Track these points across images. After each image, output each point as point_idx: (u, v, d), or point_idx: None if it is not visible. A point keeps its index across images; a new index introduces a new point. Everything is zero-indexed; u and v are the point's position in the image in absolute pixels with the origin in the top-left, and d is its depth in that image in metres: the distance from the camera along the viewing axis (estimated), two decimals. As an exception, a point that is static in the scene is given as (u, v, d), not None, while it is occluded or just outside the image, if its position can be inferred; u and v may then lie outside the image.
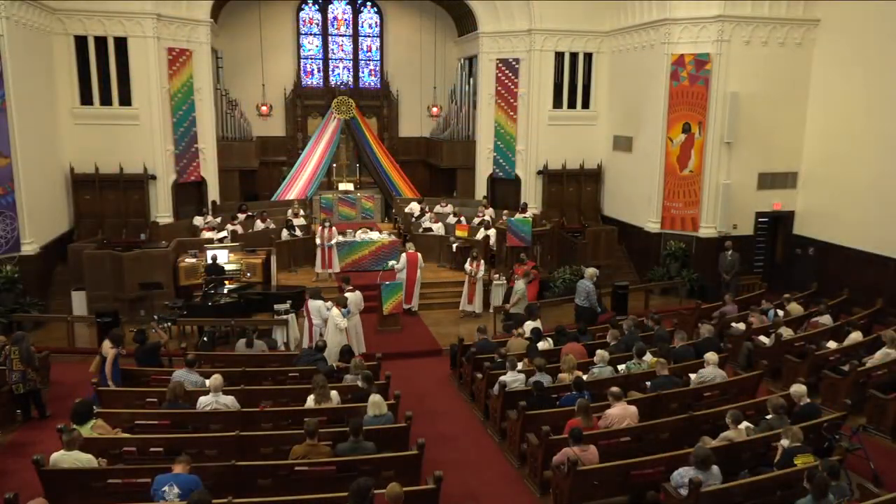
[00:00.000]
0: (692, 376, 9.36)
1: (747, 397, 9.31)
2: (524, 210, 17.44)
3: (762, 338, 11.52)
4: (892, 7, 13.62)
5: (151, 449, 7.25)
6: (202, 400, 8.14)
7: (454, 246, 16.44)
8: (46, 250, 14.76)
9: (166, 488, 6.08)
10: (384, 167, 20.95)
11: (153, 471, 6.42)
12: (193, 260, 14.39)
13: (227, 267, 13.97)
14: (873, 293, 13.10)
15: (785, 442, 7.04)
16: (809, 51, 15.97)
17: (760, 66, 15.84)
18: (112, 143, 16.44)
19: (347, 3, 23.50)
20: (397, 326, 13.60)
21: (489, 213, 17.69)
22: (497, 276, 14.73)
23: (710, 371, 9.24)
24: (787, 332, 11.37)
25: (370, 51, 23.99)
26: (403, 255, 14.41)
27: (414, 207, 19.06)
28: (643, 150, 17.65)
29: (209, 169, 18.41)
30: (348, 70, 23.86)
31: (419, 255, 14.49)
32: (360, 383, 8.59)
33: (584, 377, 9.03)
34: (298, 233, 16.60)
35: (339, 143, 20.94)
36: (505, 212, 17.94)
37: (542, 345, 10.71)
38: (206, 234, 16.32)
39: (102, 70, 16.41)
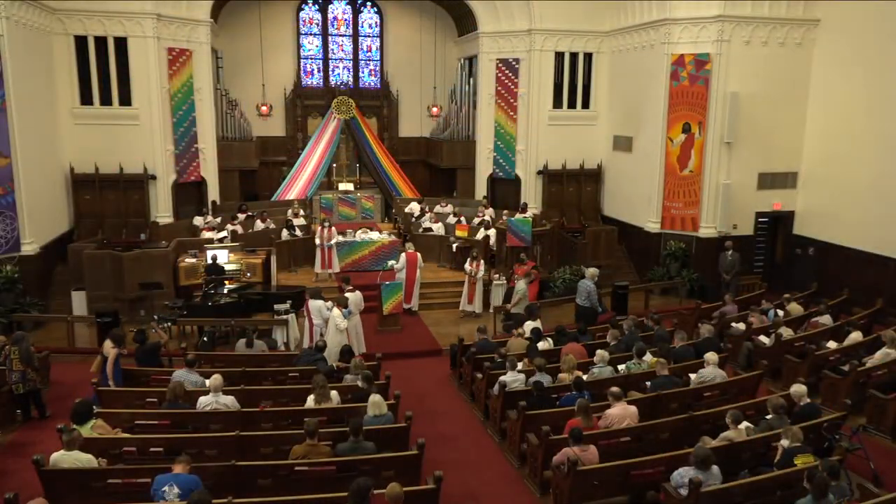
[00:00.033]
0: (692, 376, 9.36)
1: (747, 397, 9.31)
2: (524, 210, 17.44)
3: (762, 338, 11.52)
4: (892, 7, 13.62)
5: (151, 449, 7.25)
6: (202, 400, 8.14)
7: (454, 246, 16.43)
8: (46, 250, 14.76)
9: (166, 488, 6.08)
10: (384, 167, 20.95)
11: (153, 471, 6.42)
12: (193, 260, 14.39)
13: (227, 267, 13.97)
14: (873, 293, 13.10)
15: (785, 442, 7.04)
16: (809, 51, 15.97)
17: (760, 66, 15.84)
18: (112, 143, 16.44)
19: (347, 3, 23.50)
20: (397, 326, 13.60)
21: (489, 213, 17.68)
22: (497, 276, 14.73)
23: (710, 371, 9.24)
24: (787, 332, 11.37)
25: (370, 51, 23.99)
26: (403, 254, 14.41)
27: (414, 207, 19.06)
28: (643, 150, 17.65)
29: (209, 169, 18.41)
30: (348, 70, 23.85)
31: (418, 254, 14.49)
32: (360, 383, 8.59)
33: (584, 377, 9.03)
34: (298, 233, 16.60)
35: (339, 143, 20.94)
36: (505, 212, 17.94)
37: (542, 345, 10.71)
38: (206, 234, 16.32)
39: (102, 70, 16.41)
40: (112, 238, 15.92)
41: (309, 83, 23.38)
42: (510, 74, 19.63)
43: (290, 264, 16.09)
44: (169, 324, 11.88)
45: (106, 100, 16.51)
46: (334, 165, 21.56)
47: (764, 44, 15.83)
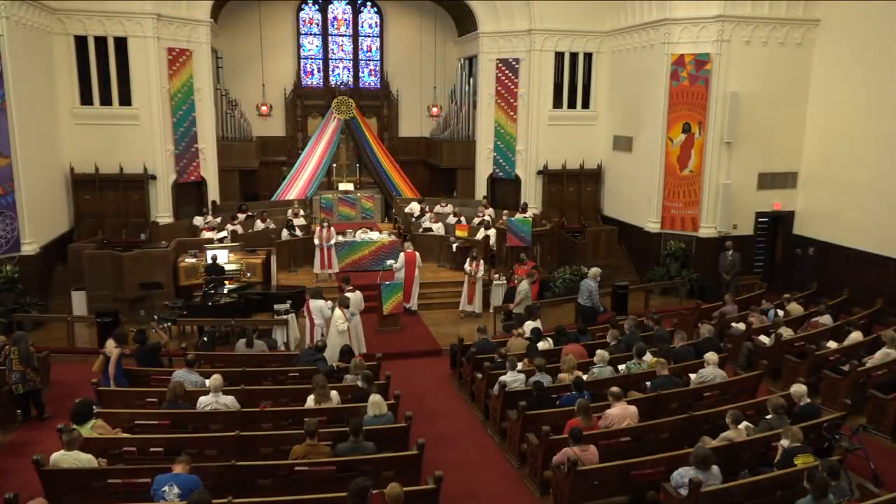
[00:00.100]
0: (692, 376, 9.36)
1: (747, 397, 9.31)
2: (524, 210, 17.44)
3: (762, 338, 11.52)
4: (892, 7, 13.62)
5: (151, 449, 7.25)
6: (202, 400, 8.14)
7: (454, 246, 16.43)
8: (46, 250, 14.76)
9: (166, 488, 6.08)
10: (384, 167, 20.95)
11: (153, 471, 6.42)
12: (193, 260, 14.39)
13: (227, 267, 13.97)
14: (873, 293, 13.10)
15: (785, 442, 7.04)
16: (809, 51, 15.97)
17: (760, 66, 15.84)
18: (112, 143, 16.44)
19: (347, 3, 23.50)
20: (397, 326, 13.60)
21: (489, 213, 17.68)
22: (497, 276, 14.73)
23: (710, 371, 9.24)
24: (787, 332, 11.37)
25: (370, 51, 23.99)
26: (402, 254, 14.41)
27: (414, 207, 19.06)
28: (643, 150, 17.65)
29: (209, 169, 18.41)
30: (348, 70, 23.86)
31: (417, 254, 14.48)
32: (360, 383, 8.59)
33: (584, 377, 9.03)
34: (298, 233, 16.60)
35: (339, 143, 20.94)
36: (505, 212, 17.94)
37: (542, 345, 10.71)
38: (206, 234, 16.32)
39: (102, 70, 16.41)
40: (112, 238, 15.93)
41: (309, 83, 23.38)
42: (510, 74, 19.63)
43: (290, 264, 16.09)
44: (169, 324, 11.89)
45: (106, 100, 16.51)
46: (334, 165, 21.56)
47: (764, 44, 15.83)
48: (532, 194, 19.76)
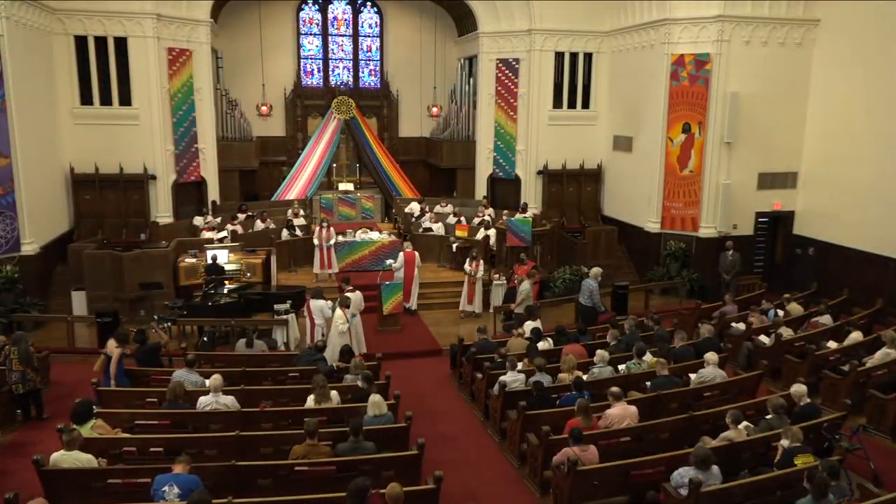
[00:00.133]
0: (692, 376, 9.35)
1: (747, 397, 9.31)
2: (524, 210, 17.44)
3: (762, 338, 11.51)
4: (892, 7, 13.62)
5: (151, 449, 7.25)
6: (202, 400, 8.14)
7: (454, 246, 16.43)
8: (46, 250, 14.76)
9: (166, 488, 6.08)
10: (384, 167, 20.95)
11: (153, 471, 6.42)
12: (193, 260, 14.39)
13: (227, 267, 13.97)
14: (873, 293, 13.10)
15: (785, 442, 7.04)
16: (809, 51, 15.97)
17: (760, 66, 15.84)
18: (112, 143, 16.44)
19: (347, 3, 23.50)
20: (397, 326, 13.60)
21: (489, 213, 17.68)
22: (497, 276, 14.73)
23: (710, 371, 9.24)
24: (787, 332, 11.37)
25: (370, 51, 23.99)
26: (401, 254, 14.40)
27: (414, 207, 19.06)
28: (643, 150, 17.65)
29: (209, 169, 18.41)
30: (348, 70, 23.86)
31: (416, 253, 14.48)
32: (360, 383, 8.59)
33: (584, 377, 9.03)
34: (298, 233, 16.60)
35: (339, 143, 20.94)
36: (505, 212, 17.94)
37: (542, 345, 10.71)
38: (206, 234, 16.32)
39: (102, 70, 16.41)
40: (112, 238, 15.93)
41: (309, 83, 23.38)
42: (510, 74, 19.63)
43: (290, 264, 16.09)
44: (169, 324, 11.89)
45: (106, 100, 16.51)
46: (334, 165, 21.56)
47: (764, 44, 15.83)
48: (532, 194, 19.76)
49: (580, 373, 9.22)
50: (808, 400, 8.19)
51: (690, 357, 10.09)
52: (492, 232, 16.25)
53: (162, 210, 17.20)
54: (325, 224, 15.43)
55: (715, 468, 6.57)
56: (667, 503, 6.72)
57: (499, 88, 19.86)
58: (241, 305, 12.60)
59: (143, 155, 16.75)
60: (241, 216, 17.19)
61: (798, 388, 8.18)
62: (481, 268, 14.42)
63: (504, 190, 20.43)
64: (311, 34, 23.40)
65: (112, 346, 9.41)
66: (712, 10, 15.60)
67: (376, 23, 23.85)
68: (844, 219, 15.03)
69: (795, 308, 12.81)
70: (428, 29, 23.13)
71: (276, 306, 12.54)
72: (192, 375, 8.93)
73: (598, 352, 9.66)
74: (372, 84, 23.99)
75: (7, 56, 13.21)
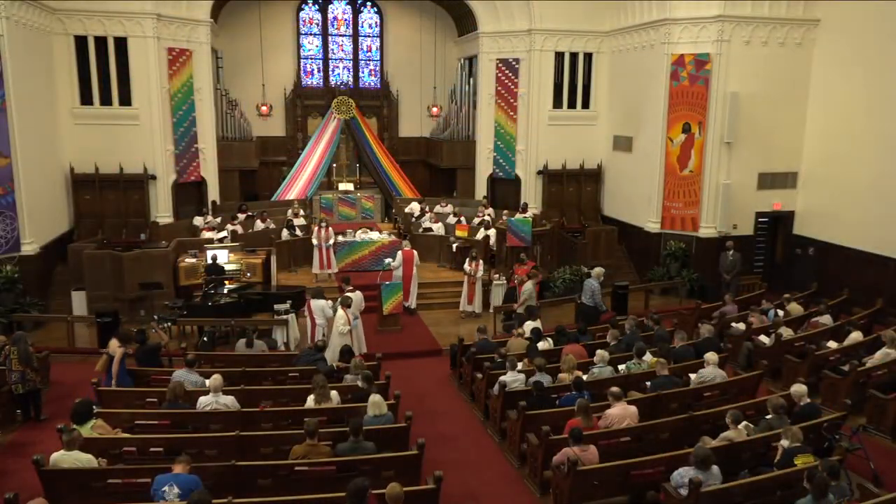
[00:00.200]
0: (692, 376, 9.35)
1: (747, 397, 9.31)
2: (524, 210, 17.44)
3: (762, 338, 11.51)
4: (892, 7, 13.62)
5: (151, 449, 7.25)
6: (202, 400, 8.14)
7: (454, 246, 16.43)
8: (46, 250, 14.76)
9: (166, 488, 6.08)
10: (384, 167, 20.95)
11: (153, 471, 6.42)
12: (193, 260, 14.40)
13: (227, 267, 13.97)
14: (873, 293, 13.10)
15: (785, 442, 7.04)
16: (809, 51, 15.96)
17: (760, 66, 15.84)
18: (112, 143, 16.45)
19: (347, 3, 23.50)
20: (397, 326, 13.60)
21: (489, 213, 17.68)
22: (497, 276, 14.73)
23: (710, 371, 9.24)
24: (787, 332, 11.37)
25: (370, 51, 23.99)
26: (399, 252, 14.41)
27: (414, 207, 19.06)
28: (643, 150, 17.64)
29: (209, 169, 18.41)
30: (348, 70, 23.86)
31: (415, 252, 14.48)
32: (360, 383, 8.58)
33: (584, 377, 9.03)
34: (298, 233, 16.61)
35: (339, 143, 20.94)
36: (505, 212, 17.94)
37: (542, 345, 10.71)
38: (206, 234, 16.32)
39: (102, 70, 16.41)
40: (112, 238, 15.93)
41: (309, 83, 23.38)
42: (510, 74, 19.63)
43: (290, 264, 16.09)
44: (169, 324, 11.89)
45: (106, 100, 16.51)
46: (334, 165, 21.56)
47: (764, 44, 15.83)
48: (532, 194, 19.76)
49: (580, 373, 9.22)
50: (808, 400, 8.18)
51: (690, 357, 10.09)
52: (492, 232, 16.25)
53: (162, 210, 17.20)
54: (323, 224, 15.43)
55: (715, 468, 6.57)
56: (667, 503, 6.72)
57: (499, 88, 19.86)
58: (241, 305, 12.60)
59: (143, 155, 16.75)
60: (241, 216, 17.19)
61: (798, 388, 8.18)
62: (481, 268, 14.42)
63: (504, 190, 20.43)
64: (311, 34, 23.40)
65: (114, 345, 9.41)
66: (712, 10, 15.60)
67: (376, 23, 23.85)
68: (844, 219, 15.03)
69: (795, 308, 12.81)
70: (428, 29, 23.13)
71: (276, 306, 12.54)
72: (192, 375, 8.93)
73: (598, 352, 9.66)
74: (372, 84, 23.99)
75: (7, 56, 13.21)
